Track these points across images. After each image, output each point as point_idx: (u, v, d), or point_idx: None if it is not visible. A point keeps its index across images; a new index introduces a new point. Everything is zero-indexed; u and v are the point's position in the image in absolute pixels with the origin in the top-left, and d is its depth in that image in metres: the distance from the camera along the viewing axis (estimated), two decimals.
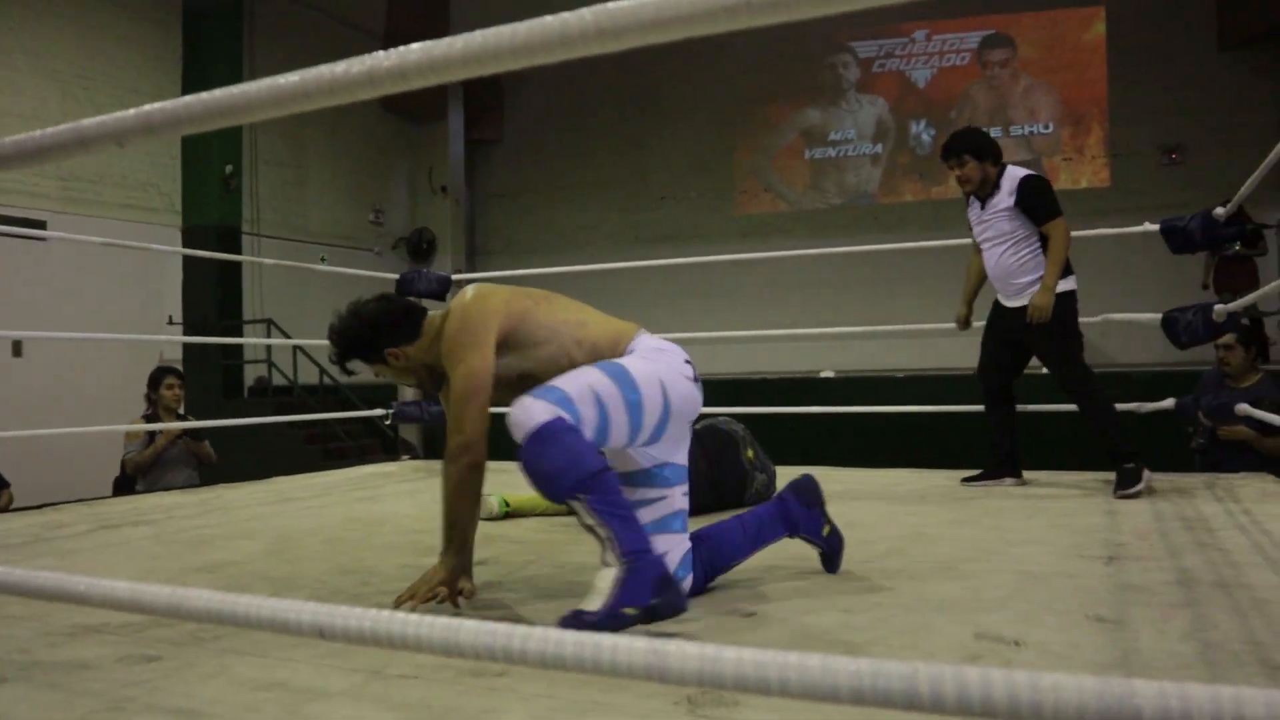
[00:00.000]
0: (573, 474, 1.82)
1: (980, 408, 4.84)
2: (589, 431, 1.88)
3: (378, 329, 2.25)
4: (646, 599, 1.80)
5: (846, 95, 13.15)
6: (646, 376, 1.99)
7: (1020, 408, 4.31)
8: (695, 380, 2.10)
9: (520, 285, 2.31)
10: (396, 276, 5.80)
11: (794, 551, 2.63)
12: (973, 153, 3.77)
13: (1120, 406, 3.95)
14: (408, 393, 5.86)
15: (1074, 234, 3.76)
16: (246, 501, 4.02)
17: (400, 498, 4.14)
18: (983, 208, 3.83)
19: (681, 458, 2.10)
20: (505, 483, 4.38)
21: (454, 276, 5.94)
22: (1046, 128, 12.22)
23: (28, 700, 1.57)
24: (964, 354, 9.77)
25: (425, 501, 3.99)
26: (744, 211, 13.59)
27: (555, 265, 7.12)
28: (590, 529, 1.85)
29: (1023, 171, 3.81)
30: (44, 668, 1.75)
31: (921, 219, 12.48)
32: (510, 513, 3.40)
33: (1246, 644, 1.74)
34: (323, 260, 12.63)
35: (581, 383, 1.93)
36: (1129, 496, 3.47)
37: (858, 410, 5.35)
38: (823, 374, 8.83)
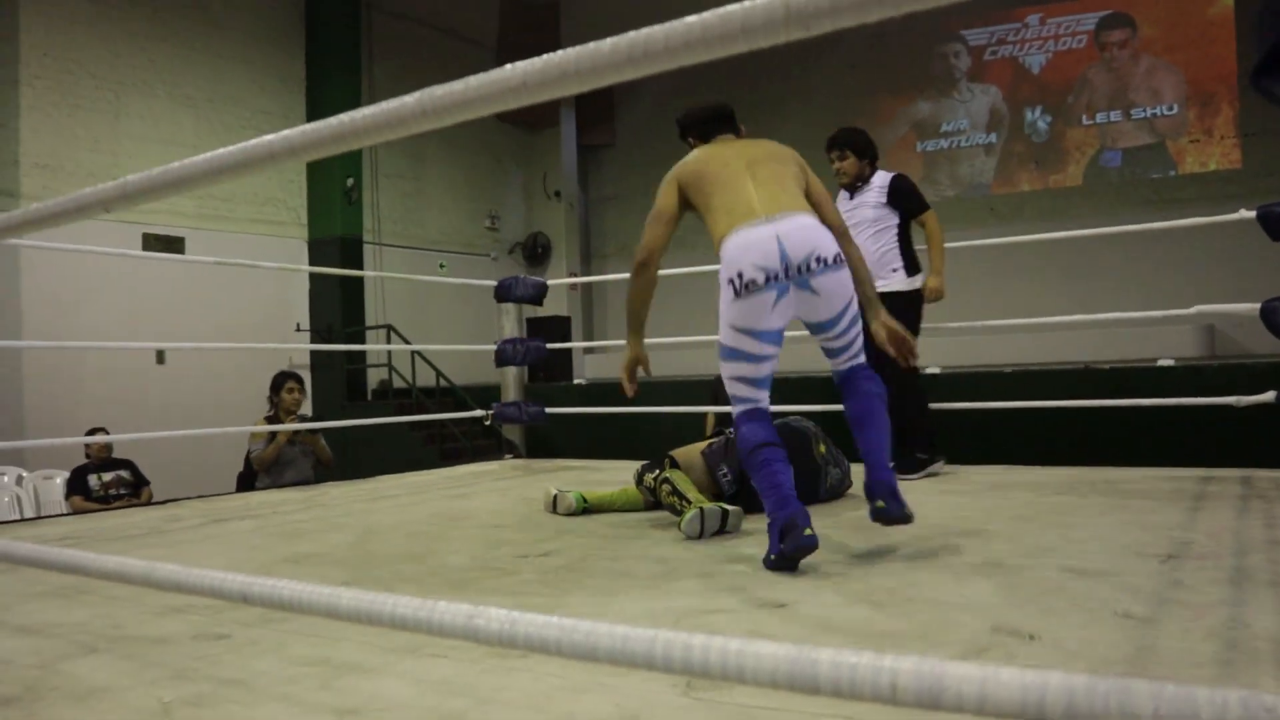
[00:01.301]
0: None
1: (1079, 402, 4.76)
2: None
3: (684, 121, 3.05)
4: (776, 549, 2.42)
5: (958, 85, 12.86)
6: (728, 335, 2.61)
7: (1110, 401, 4.24)
8: (743, 288, 2.55)
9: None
10: (495, 283, 6.03)
11: (846, 541, 2.68)
12: (855, 150, 4.26)
13: (1220, 400, 3.93)
14: (509, 394, 6.06)
15: (1195, 220, 4.07)
16: (346, 498, 4.26)
17: (490, 495, 4.31)
18: (850, 198, 4.28)
19: (769, 323, 2.57)
20: (588, 480, 4.53)
21: (550, 282, 6.12)
22: (1171, 109, 11.69)
23: (107, 668, 1.77)
24: (1074, 347, 9.47)
25: (513, 498, 4.15)
26: None
27: (666, 267, 7.22)
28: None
29: (892, 173, 4.37)
30: (129, 641, 1.96)
31: (1039, 208, 12.13)
32: (588, 508, 3.53)
33: (1273, 643, 1.72)
34: (441, 267, 13.09)
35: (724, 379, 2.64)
36: (906, 480, 4.01)
37: (958, 406, 5.27)
38: (928, 370, 8.69)
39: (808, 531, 2.37)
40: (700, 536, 2.94)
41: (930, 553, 2.63)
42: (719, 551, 2.76)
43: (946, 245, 4.86)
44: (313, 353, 10.79)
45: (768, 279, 2.53)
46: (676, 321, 12.27)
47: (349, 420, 7.78)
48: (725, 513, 3.00)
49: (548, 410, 5.84)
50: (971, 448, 5.47)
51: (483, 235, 14.15)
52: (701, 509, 2.95)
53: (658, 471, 3.27)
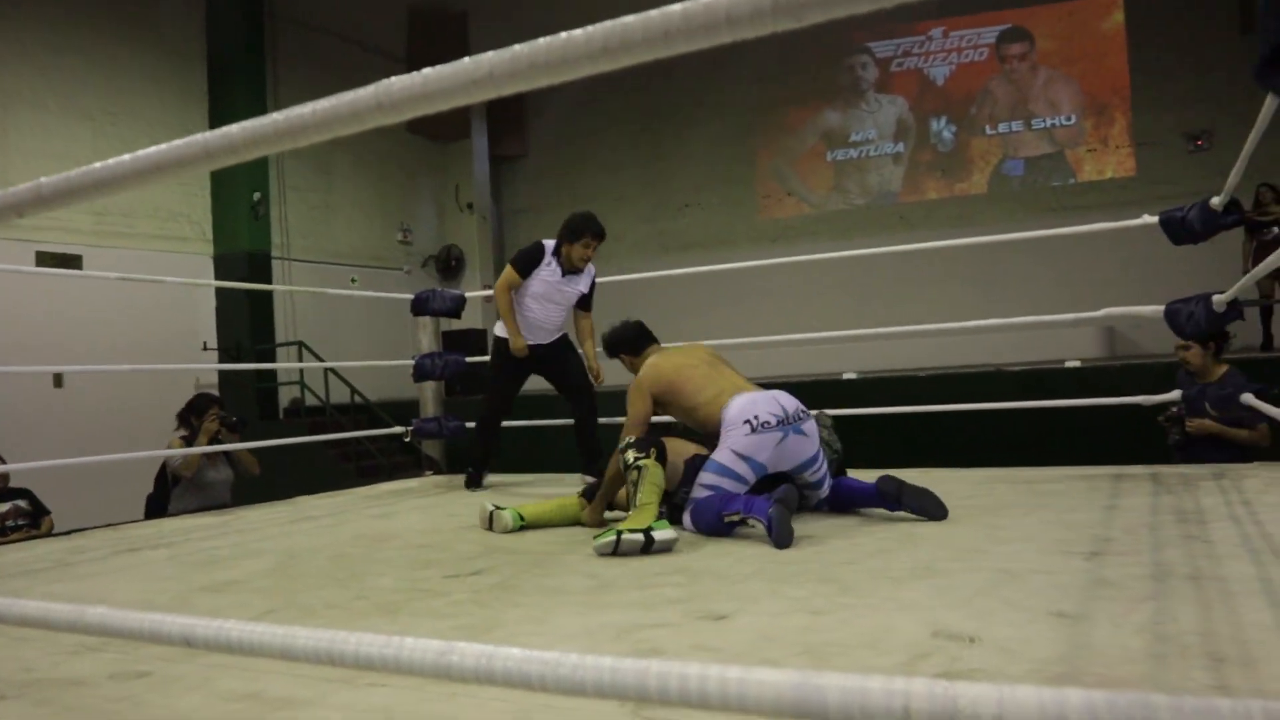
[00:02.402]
0: (712, 519, 3.09)
1: (1000, 404, 4.89)
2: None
3: (619, 340, 3.88)
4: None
5: (866, 96, 13.15)
6: (729, 457, 3.24)
7: (1024, 404, 4.40)
8: (760, 426, 3.23)
9: None
10: (411, 297, 5.92)
11: (777, 550, 2.68)
12: (600, 239, 4.94)
13: (1127, 400, 4.07)
14: (428, 409, 5.95)
15: (1100, 225, 4.37)
16: (263, 521, 4.13)
17: (413, 513, 4.23)
18: (562, 277, 4.91)
19: (768, 456, 3.25)
20: (524, 494, 4.47)
21: (467, 294, 6.05)
22: (1069, 119, 12.13)
23: (19, 717, 1.66)
24: (981, 350, 9.72)
25: (437, 516, 4.07)
26: (768, 216, 13.63)
27: (624, 273, 7.19)
28: (741, 520, 3.03)
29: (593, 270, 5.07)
30: (41, 685, 1.85)
31: (946, 216, 12.44)
32: (525, 525, 3.48)
33: (1200, 636, 1.76)
34: (353, 282, 12.86)
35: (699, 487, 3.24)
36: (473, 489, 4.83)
37: (881, 411, 5.35)
38: (846, 375, 8.83)
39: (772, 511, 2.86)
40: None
41: (863, 558, 2.65)
42: (652, 564, 2.74)
43: (861, 252, 5.09)
44: (221, 372, 10.47)
45: (779, 421, 3.24)
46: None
47: (261, 440, 7.56)
48: (649, 543, 2.95)
49: (468, 425, 5.75)
50: (890, 451, 5.56)
51: (395, 248, 13.95)
52: (619, 537, 2.90)
53: (639, 456, 3.17)
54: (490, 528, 3.50)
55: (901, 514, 3.27)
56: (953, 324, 5.19)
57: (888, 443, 7.09)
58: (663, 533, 2.94)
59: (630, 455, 3.18)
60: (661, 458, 3.18)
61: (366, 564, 2.99)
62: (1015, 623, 1.90)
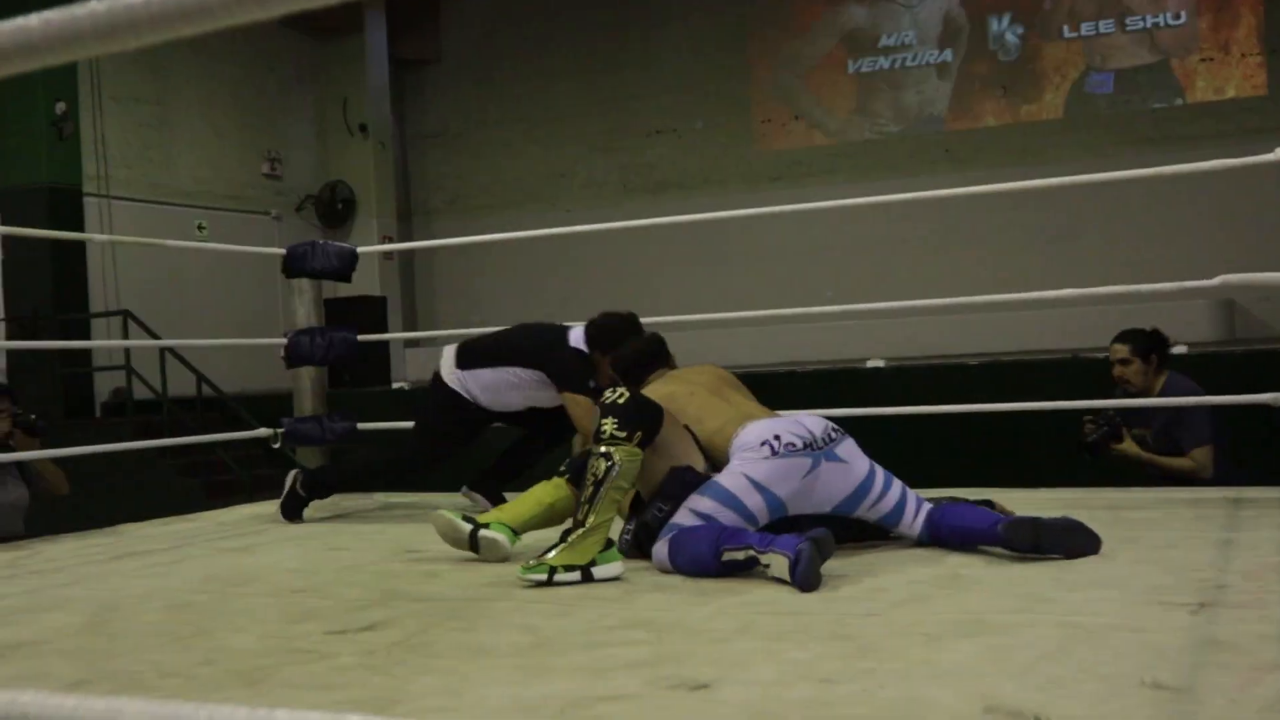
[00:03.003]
0: (704, 555, 3.09)
1: (1077, 403, 4.97)
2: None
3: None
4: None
5: None
6: (739, 484, 3.26)
7: (1108, 402, 4.51)
8: (782, 448, 3.26)
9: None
10: (283, 251, 5.89)
11: (778, 595, 2.71)
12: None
13: (1252, 398, 4.30)
14: (305, 404, 5.93)
15: (1218, 163, 4.40)
16: (72, 559, 4.10)
17: (284, 546, 4.21)
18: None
19: (790, 489, 3.30)
20: (422, 521, 4.48)
21: (359, 249, 6.02)
22: (1177, 18, 12.24)
23: None
24: (1053, 330, 9.84)
25: (316, 550, 4.06)
26: (768, 147, 13.66)
27: (518, 228, 7.18)
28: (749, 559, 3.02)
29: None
30: None
31: (1008, 149, 12.53)
32: (518, 533, 3.57)
33: None
34: (201, 230, 12.76)
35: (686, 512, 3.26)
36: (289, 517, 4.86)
37: (917, 411, 5.39)
38: (871, 363, 8.89)
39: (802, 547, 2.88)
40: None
41: (889, 606, 2.68)
42: (608, 613, 2.76)
43: (894, 198, 5.12)
44: (12, 352, 10.33)
45: (805, 445, 3.28)
46: (542, 303, 12.26)
47: (70, 447, 7.48)
48: (587, 577, 3.08)
49: (359, 426, 5.74)
50: (928, 464, 5.60)
51: (260, 185, 13.86)
52: (551, 572, 3.05)
53: (617, 434, 3.15)
54: (476, 551, 3.51)
55: (930, 549, 3.33)
56: (1016, 294, 5.25)
57: (925, 453, 7.13)
58: (607, 569, 3.10)
59: (608, 427, 3.15)
60: (646, 441, 3.18)
61: (218, 616, 2.97)
62: (1095, 697, 1.93)
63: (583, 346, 4.53)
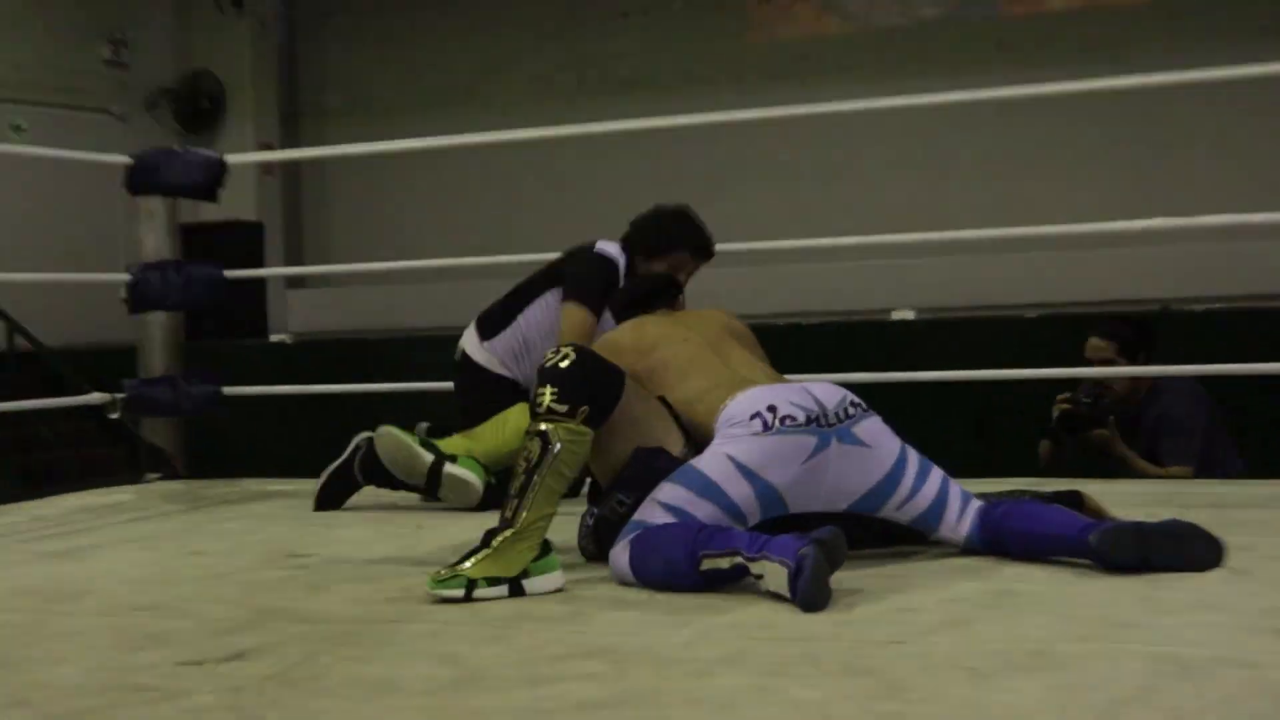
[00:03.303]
0: (677, 561, 3.06)
1: (1170, 368, 5.00)
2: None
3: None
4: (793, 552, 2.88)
5: None
6: (720, 468, 3.23)
7: (1243, 368, 4.57)
8: (777, 422, 3.22)
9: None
10: (129, 160, 5.82)
11: (779, 618, 2.70)
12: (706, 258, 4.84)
13: None
14: (153, 362, 5.88)
15: None
16: None
17: (121, 549, 4.20)
18: None
19: (788, 475, 3.26)
20: (309, 517, 4.48)
21: (229, 159, 5.95)
22: None
23: None
24: (1135, 275, 9.86)
25: (168, 555, 4.04)
26: (766, 35, 13.59)
27: (441, 133, 7.10)
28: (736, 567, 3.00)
29: None
30: None
31: (1078, 39, 12.51)
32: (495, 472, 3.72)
33: None
34: (17, 131, 12.62)
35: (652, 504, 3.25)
36: None
37: (955, 376, 5.39)
38: (897, 314, 8.90)
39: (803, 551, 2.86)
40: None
41: (921, 632, 2.68)
42: (550, 636, 2.75)
43: (930, 99, 5.11)
44: None
45: (809, 419, 3.24)
46: (470, 231, 12.21)
47: None
48: (517, 592, 3.07)
49: (226, 390, 5.71)
50: (969, 441, 5.61)
51: (98, 75, 13.72)
52: (470, 586, 3.04)
53: (557, 408, 3.12)
54: (431, 493, 3.49)
55: (977, 558, 3.32)
56: (1086, 226, 5.23)
57: (966, 427, 7.15)
58: (542, 581, 3.10)
59: (545, 398, 3.13)
60: (597, 417, 3.15)
61: (33, 643, 2.94)
62: None
63: (610, 251, 4.52)
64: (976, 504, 3.38)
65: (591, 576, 3.29)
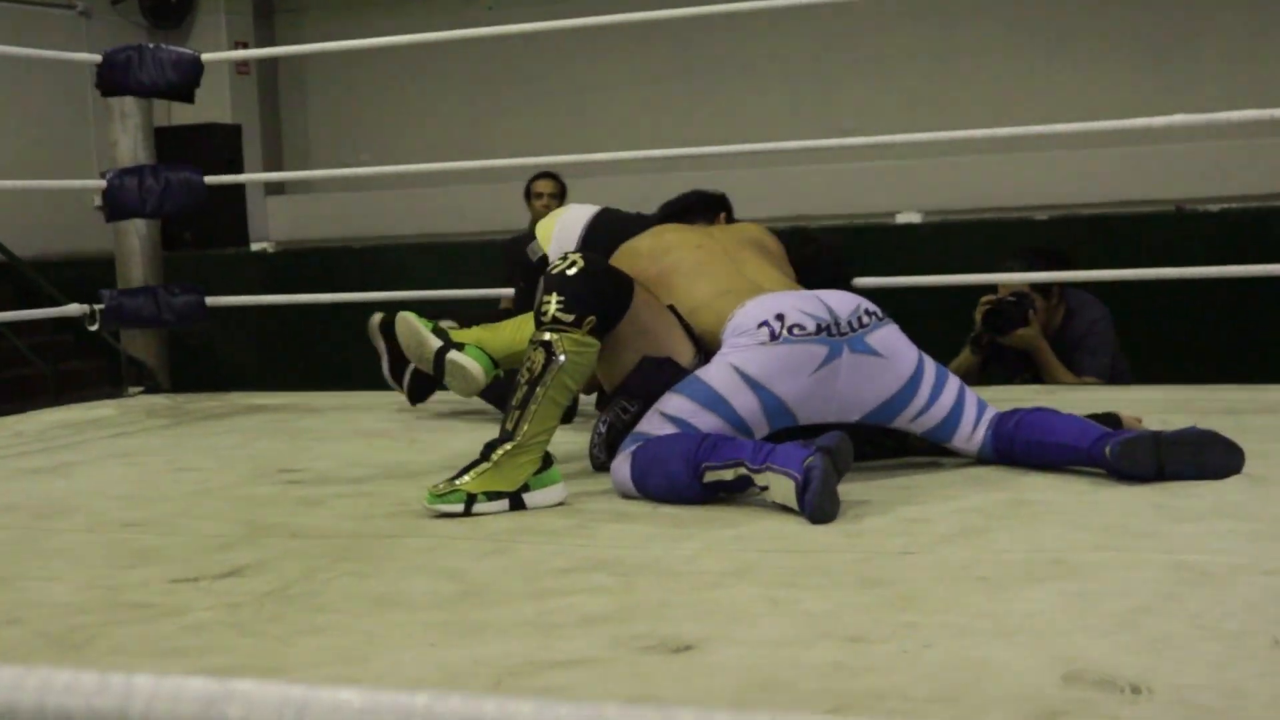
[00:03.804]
0: (679, 473, 3.08)
1: (1183, 271, 5.01)
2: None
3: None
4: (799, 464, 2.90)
5: None
6: (724, 378, 3.25)
7: (1260, 269, 4.57)
8: (784, 330, 3.21)
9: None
10: (98, 58, 5.78)
11: (785, 524, 2.73)
12: None
13: None
14: (132, 272, 5.87)
15: None
16: None
17: (107, 464, 4.21)
18: None
19: (797, 387, 3.26)
20: (298, 430, 4.49)
21: (204, 58, 5.91)
22: None
23: None
24: (1150, 174, 9.82)
25: (155, 471, 4.05)
26: None
27: (423, 28, 7.02)
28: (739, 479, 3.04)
29: None
30: None
31: None
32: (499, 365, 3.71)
33: None
34: None
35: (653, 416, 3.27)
36: None
37: (964, 280, 5.39)
38: (902, 217, 8.89)
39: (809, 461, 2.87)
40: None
41: (935, 542, 2.71)
42: (555, 549, 2.78)
43: None
44: None
45: (819, 328, 3.24)
46: (455, 133, 12.14)
47: None
48: (517, 506, 3.09)
49: (208, 301, 5.70)
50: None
51: None
52: (469, 501, 3.06)
53: (562, 315, 3.11)
54: (436, 373, 3.54)
55: (994, 468, 3.35)
56: (1099, 124, 5.22)
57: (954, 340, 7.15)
58: (543, 495, 3.12)
59: (550, 306, 3.12)
60: (604, 328, 3.14)
61: (23, 560, 2.96)
62: (1211, 661, 1.95)
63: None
64: (991, 413, 3.39)
65: (593, 489, 3.31)
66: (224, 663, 2.14)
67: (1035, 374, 5.25)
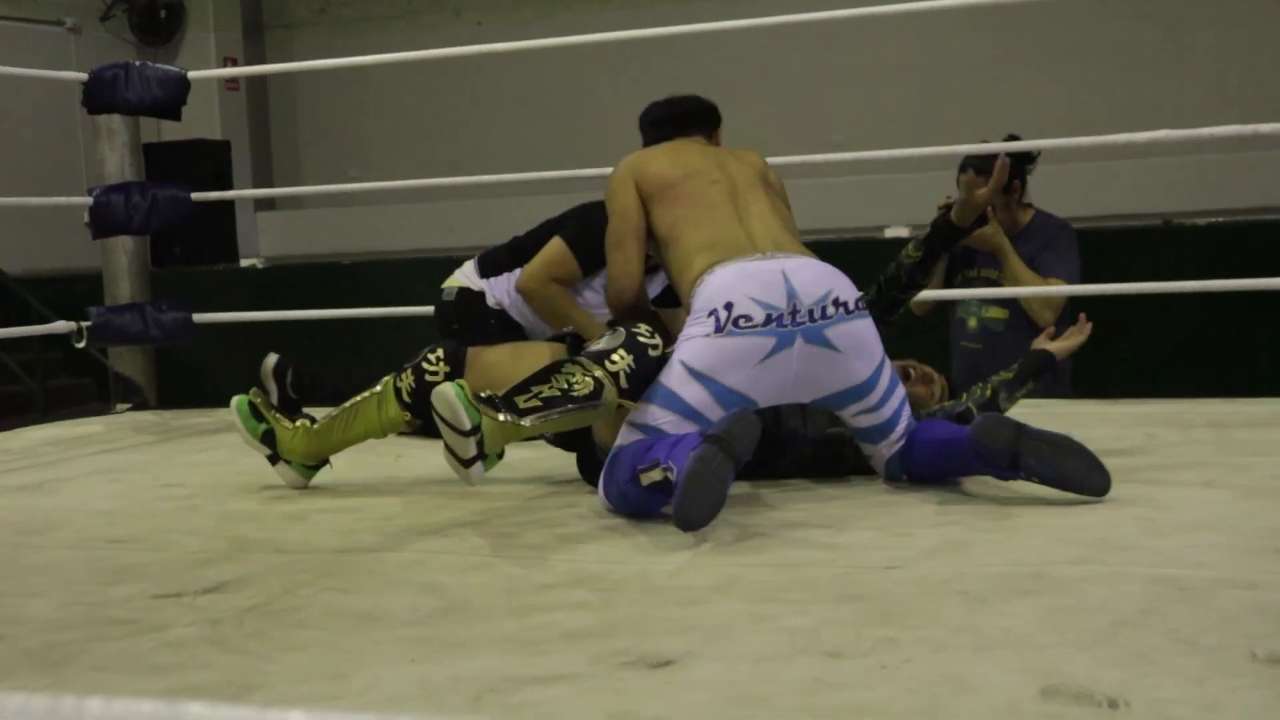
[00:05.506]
0: (625, 481, 3.12)
1: (1171, 285, 5.00)
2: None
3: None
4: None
5: None
6: (676, 376, 3.25)
7: (1246, 283, 4.54)
8: (729, 323, 3.20)
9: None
10: (84, 77, 5.79)
11: (769, 532, 2.73)
12: None
13: None
14: (119, 289, 5.88)
15: None
16: None
17: (92, 481, 4.21)
18: None
19: (746, 380, 3.25)
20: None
21: (192, 75, 5.91)
22: None
23: None
24: (1141, 186, 9.82)
25: (140, 487, 4.05)
26: None
27: (413, 46, 7.04)
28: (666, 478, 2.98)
29: None
30: None
31: None
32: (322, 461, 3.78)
33: None
34: None
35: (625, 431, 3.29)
36: None
37: (951, 295, 5.41)
38: (891, 232, 8.90)
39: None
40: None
41: (916, 557, 2.72)
42: (537, 564, 2.78)
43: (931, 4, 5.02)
44: None
45: (768, 319, 3.21)
46: (444, 148, 12.14)
47: None
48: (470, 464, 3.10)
49: (197, 317, 5.70)
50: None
51: None
52: (480, 444, 3.06)
53: (606, 386, 3.15)
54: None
55: (977, 480, 3.35)
56: (1087, 139, 5.22)
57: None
58: (478, 471, 3.10)
59: (620, 364, 3.23)
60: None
61: (5, 575, 2.97)
62: (1190, 675, 1.96)
63: None
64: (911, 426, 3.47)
65: (575, 504, 3.33)
66: (204, 679, 2.14)
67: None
